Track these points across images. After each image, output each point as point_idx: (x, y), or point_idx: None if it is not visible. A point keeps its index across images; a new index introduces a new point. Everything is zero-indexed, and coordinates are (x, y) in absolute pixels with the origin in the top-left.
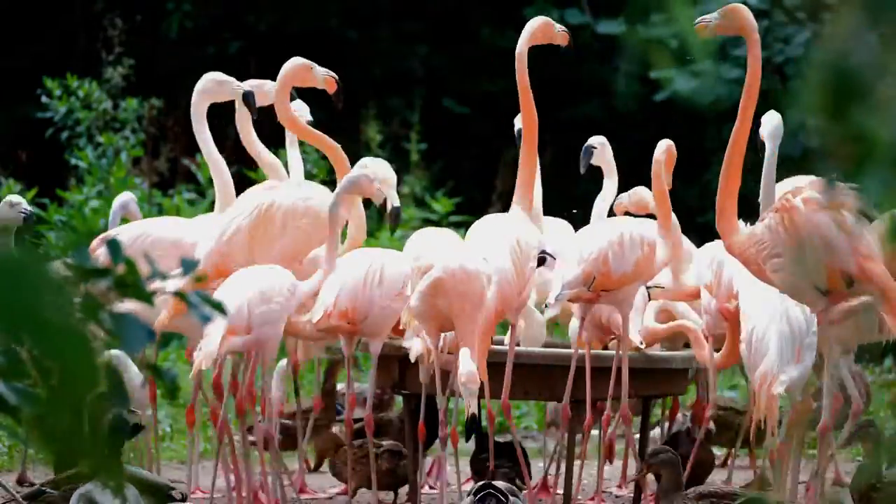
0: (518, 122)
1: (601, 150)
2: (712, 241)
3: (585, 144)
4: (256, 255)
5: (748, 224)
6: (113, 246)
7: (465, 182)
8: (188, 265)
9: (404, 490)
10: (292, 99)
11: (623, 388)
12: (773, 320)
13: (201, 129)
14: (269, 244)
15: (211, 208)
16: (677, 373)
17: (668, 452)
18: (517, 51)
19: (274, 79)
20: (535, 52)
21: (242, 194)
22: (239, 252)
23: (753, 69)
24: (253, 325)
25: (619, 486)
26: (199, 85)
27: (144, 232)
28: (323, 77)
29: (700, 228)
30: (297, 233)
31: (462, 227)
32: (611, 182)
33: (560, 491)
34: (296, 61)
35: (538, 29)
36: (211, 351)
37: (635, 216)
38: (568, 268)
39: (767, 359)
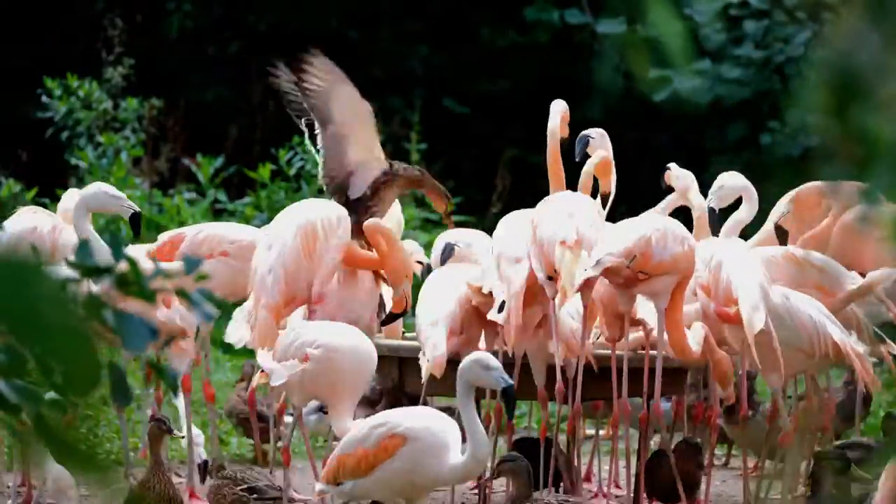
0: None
1: (599, 139)
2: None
3: (582, 133)
4: (314, 272)
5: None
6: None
7: (465, 182)
8: (190, 263)
9: None
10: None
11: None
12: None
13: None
14: (321, 259)
15: (211, 208)
16: (675, 372)
17: (518, 461)
18: None
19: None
20: (535, 51)
21: (274, 221)
22: (297, 273)
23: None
24: (464, 326)
25: (618, 486)
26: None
27: None
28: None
29: None
30: (339, 244)
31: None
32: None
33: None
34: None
35: None
36: (441, 354)
37: None
38: (612, 244)
39: (833, 327)
